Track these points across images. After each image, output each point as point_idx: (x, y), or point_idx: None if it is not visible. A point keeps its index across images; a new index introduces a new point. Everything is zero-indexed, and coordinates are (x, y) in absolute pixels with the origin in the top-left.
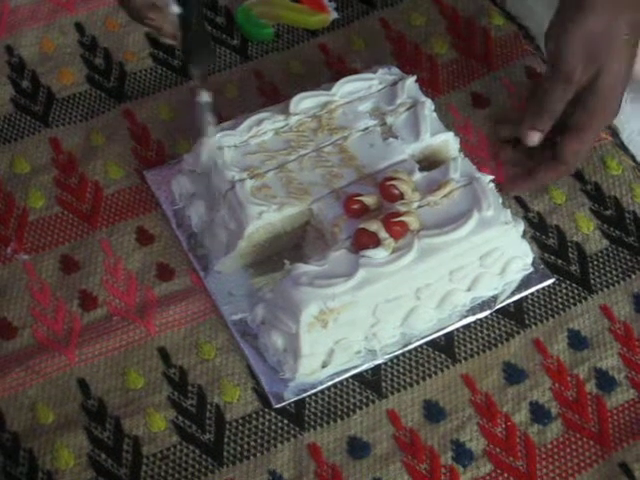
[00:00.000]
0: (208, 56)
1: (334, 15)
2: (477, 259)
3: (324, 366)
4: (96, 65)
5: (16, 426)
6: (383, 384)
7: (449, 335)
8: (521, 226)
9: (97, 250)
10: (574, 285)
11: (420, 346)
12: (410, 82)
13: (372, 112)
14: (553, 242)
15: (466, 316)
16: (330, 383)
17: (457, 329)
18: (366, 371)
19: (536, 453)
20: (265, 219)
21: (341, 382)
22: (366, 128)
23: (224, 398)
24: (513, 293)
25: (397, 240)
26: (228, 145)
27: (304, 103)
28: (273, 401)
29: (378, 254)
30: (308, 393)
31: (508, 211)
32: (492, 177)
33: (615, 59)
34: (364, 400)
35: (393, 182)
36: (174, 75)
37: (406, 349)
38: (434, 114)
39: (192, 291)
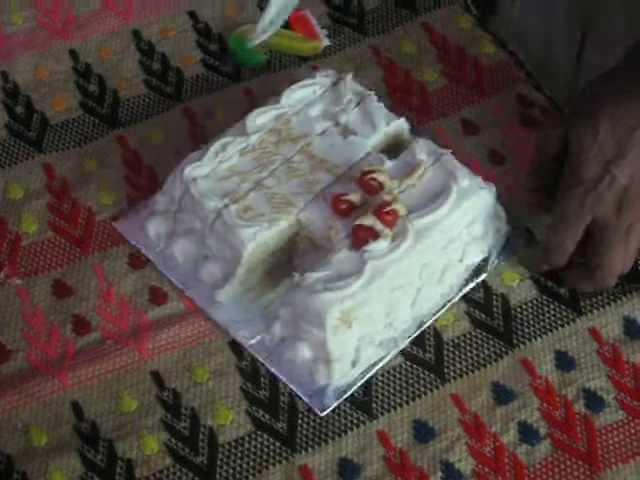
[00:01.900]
0: None
1: (326, 42)
2: (465, 228)
3: (354, 365)
4: (90, 92)
5: (9, 449)
6: (374, 405)
7: (438, 355)
8: (493, 188)
9: (90, 275)
10: (563, 307)
11: (410, 365)
12: (349, 80)
13: (324, 115)
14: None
15: (466, 285)
16: (364, 379)
17: (447, 348)
18: (357, 392)
19: (525, 473)
20: (260, 239)
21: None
22: (323, 132)
23: (217, 421)
24: (500, 254)
25: (391, 229)
26: (200, 176)
27: (259, 120)
28: (319, 411)
29: (380, 246)
30: (349, 393)
31: (479, 178)
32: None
33: None
34: (355, 421)
35: (371, 175)
36: (167, 101)
37: (422, 329)
38: (381, 104)
39: (185, 315)
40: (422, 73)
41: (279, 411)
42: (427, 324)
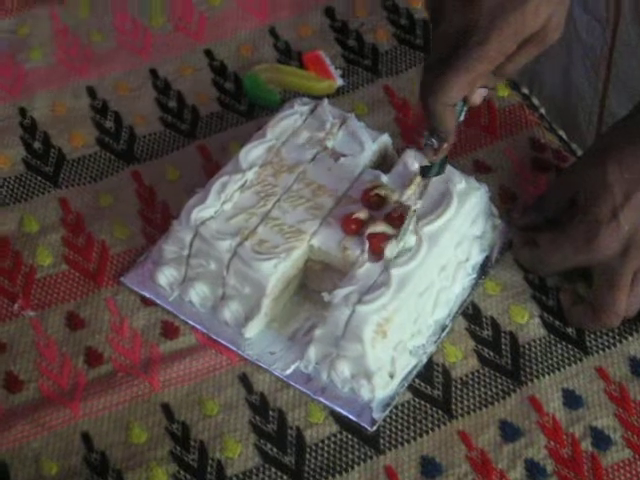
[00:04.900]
0: (439, 172)
1: (340, 82)
2: (469, 228)
3: (392, 376)
4: (106, 128)
5: (20, 477)
6: (381, 440)
7: (446, 391)
8: (485, 187)
9: (103, 308)
10: (570, 346)
11: (418, 402)
12: (325, 105)
13: (310, 142)
14: (553, 303)
15: (475, 283)
16: (404, 388)
17: (455, 385)
18: (364, 427)
19: None
20: (280, 269)
21: (340, 438)
22: (314, 158)
23: (225, 454)
24: (503, 248)
25: None
26: (207, 218)
27: (250, 155)
28: (368, 427)
29: (394, 249)
30: (393, 404)
31: (472, 178)
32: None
33: None
34: (362, 456)
35: (375, 191)
36: (182, 138)
37: (446, 332)
38: (362, 123)
39: (197, 349)
40: None
41: (287, 445)
42: (449, 327)
